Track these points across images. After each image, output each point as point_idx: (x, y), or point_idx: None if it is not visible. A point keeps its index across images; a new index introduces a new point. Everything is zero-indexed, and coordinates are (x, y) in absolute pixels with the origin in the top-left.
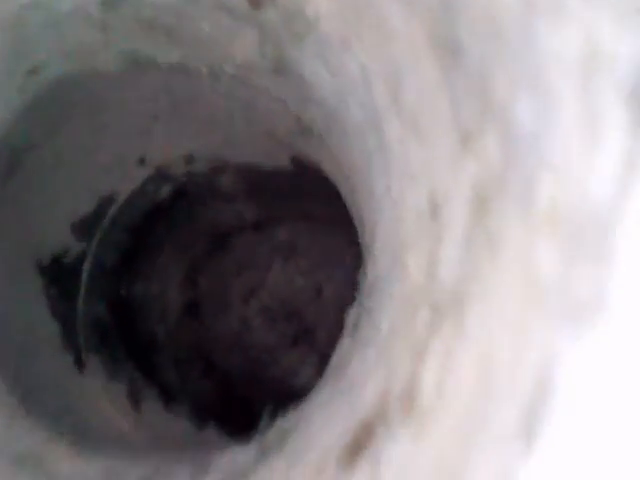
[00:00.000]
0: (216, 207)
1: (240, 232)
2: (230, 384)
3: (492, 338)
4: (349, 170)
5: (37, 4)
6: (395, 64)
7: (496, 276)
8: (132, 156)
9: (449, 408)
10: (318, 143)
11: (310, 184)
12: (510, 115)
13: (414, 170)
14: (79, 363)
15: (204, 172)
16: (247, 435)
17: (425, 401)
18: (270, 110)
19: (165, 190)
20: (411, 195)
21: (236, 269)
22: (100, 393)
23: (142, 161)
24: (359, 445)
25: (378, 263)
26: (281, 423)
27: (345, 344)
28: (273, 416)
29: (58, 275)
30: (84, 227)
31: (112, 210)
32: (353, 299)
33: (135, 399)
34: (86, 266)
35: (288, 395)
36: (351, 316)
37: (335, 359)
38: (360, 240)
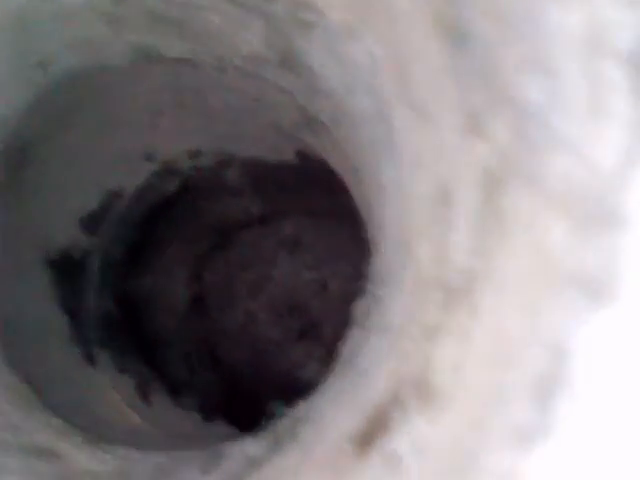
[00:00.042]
0: (222, 201)
1: (246, 226)
2: (237, 378)
3: (506, 317)
4: (357, 162)
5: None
6: (402, 50)
7: (508, 255)
8: (139, 151)
9: (465, 390)
10: (325, 135)
11: (316, 178)
12: (518, 95)
13: (423, 157)
14: (89, 357)
15: (210, 166)
16: (254, 428)
17: (441, 384)
18: (276, 103)
19: (171, 185)
20: (420, 183)
21: (242, 263)
22: (110, 387)
23: (149, 156)
24: (374, 431)
25: (387, 252)
26: (293, 413)
27: (355, 335)
28: (281, 409)
29: (67, 270)
30: (92, 222)
31: (119, 205)
32: (359, 292)
33: (144, 392)
34: (94, 260)
35: (295, 388)
36: (360, 307)
37: (345, 350)
38: (367, 232)
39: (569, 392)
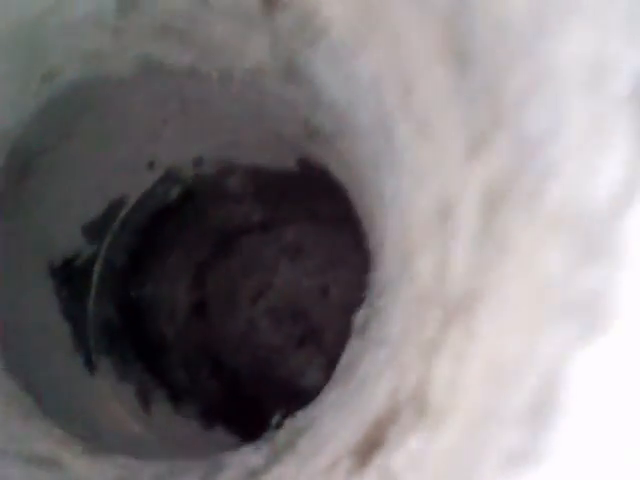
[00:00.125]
0: (224, 209)
1: (247, 233)
2: (238, 384)
3: (502, 338)
4: (358, 173)
5: (53, 10)
6: (406, 69)
7: (505, 277)
8: (142, 159)
9: (460, 409)
10: (327, 146)
11: (317, 186)
12: (519, 122)
13: (424, 173)
14: (90, 364)
15: (212, 174)
16: (255, 435)
17: (436, 401)
18: (278, 113)
19: (174, 192)
20: (421, 198)
21: (243, 270)
22: (110, 394)
23: (152, 164)
24: (371, 445)
25: (388, 264)
26: (292, 424)
27: (354, 345)
28: (282, 416)
29: (69, 277)
30: (95, 230)
31: (122, 213)
32: (360, 300)
33: (145, 400)
34: (96, 268)
35: (295, 395)
36: (360, 317)
37: (344, 360)
38: (368, 242)
39: (563, 419)
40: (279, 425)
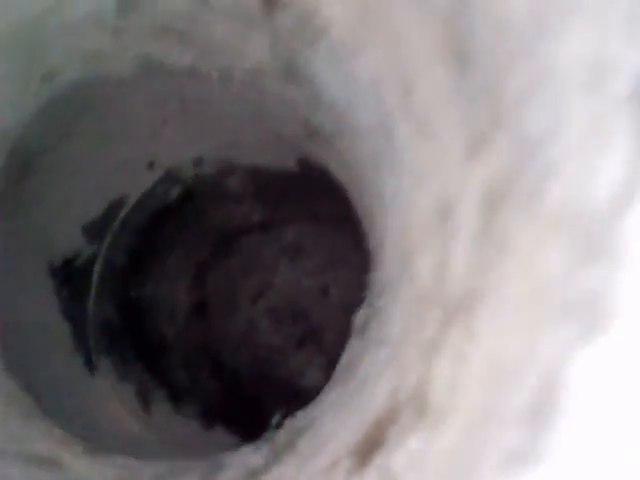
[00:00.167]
0: (224, 208)
1: (247, 233)
2: (238, 384)
3: (502, 338)
4: (358, 173)
5: (53, 10)
6: (406, 69)
7: (505, 277)
8: (142, 159)
9: (460, 407)
10: (326, 146)
11: (317, 186)
12: (519, 121)
13: (424, 173)
14: (90, 364)
15: (212, 174)
16: (255, 435)
17: (436, 401)
18: (278, 113)
19: (174, 192)
20: (421, 198)
21: (243, 270)
22: (110, 394)
23: (152, 164)
24: (371, 445)
25: (388, 264)
26: (292, 424)
27: (355, 345)
28: (282, 416)
29: (69, 277)
30: (95, 230)
31: (122, 213)
32: (359, 300)
33: (145, 400)
34: (96, 268)
35: (296, 395)
36: (360, 317)
37: (345, 359)
38: (368, 242)
39: (562, 419)
40: (279, 425)
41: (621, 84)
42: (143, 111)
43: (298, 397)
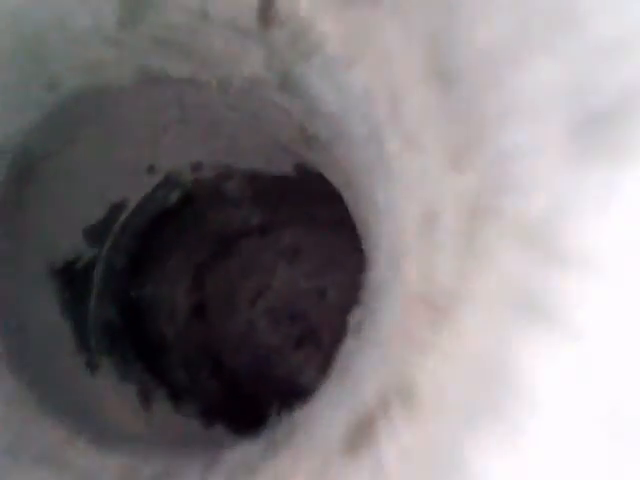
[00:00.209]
0: (222, 212)
1: (246, 236)
2: (237, 384)
3: (482, 337)
4: (352, 179)
5: (56, 23)
6: (395, 85)
7: (484, 281)
8: (142, 164)
9: (446, 402)
10: (322, 152)
11: (314, 190)
12: (496, 139)
13: (411, 183)
14: (91, 364)
15: (211, 178)
16: (254, 432)
17: (424, 396)
18: (275, 121)
19: (173, 196)
20: (409, 206)
21: (242, 272)
22: (112, 394)
23: (151, 169)
24: (361, 437)
25: (381, 267)
26: (288, 420)
27: (350, 344)
28: (280, 413)
29: (70, 279)
30: (96, 233)
31: (123, 216)
32: (356, 301)
33: (146, 399)
34: (97, 270)
35: (293, 393)
36: (355, 317)
37: (340, 358)
38: (363, 245)
39: (534, 412)
40: (277, 421)
41: (598, 101)
42: (143, 118)
43: (296, 396)
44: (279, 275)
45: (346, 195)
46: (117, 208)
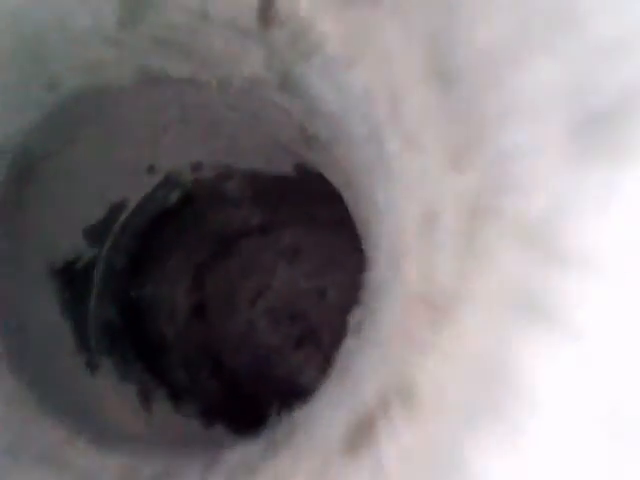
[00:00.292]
0: (222, 212)
1: (246, 236)
2: (237, 384)
3: (482, 335)
4: (353, 179)
5: (56, 24)
6: (395, 85)
7: (484, 281)
8: (142, 164)
9: (446, 402)
10: (322, 152)
11: (314, 190)
12: (496, 139)
13: (411, 183)
14: (91, 364)
15: (211, 178)
16: (254, 432)
17: (424, 395)
18: (275, 120)
19: (174, 196)
20: (409, 205)
21: (242, 272)
22: (112, 394)
23: (152, 169)
24: (361, 437)
25: (381, 267)
26: (288, 420)
27: (350, 344)
28: (279, 413)
29: (70, 279)
30: (96, 233)
31: (123, 216)
32: (356, 301)
33: (146, 400)
34: (97, 270)
35: (293, 393)
36: (355, 317)
37: (340, 358)
38: (364, 245)
39: (534, 412)
40: (277, 421)
41: (597, 101)
42: (143, 118)
43: (296, 396)
44: (279, 275)
45: (346, 195)
46: (117, 208)
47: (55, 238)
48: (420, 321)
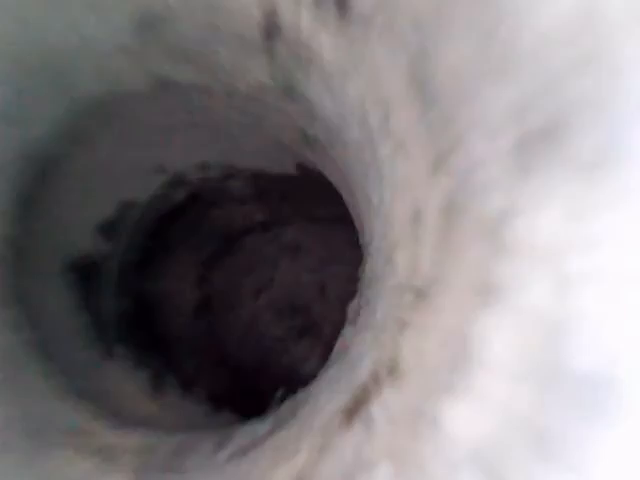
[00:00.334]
0: (227, 210)
1: (250, 233)
2: (243, 371)
3: (452, 313)
4: (349, 178)
5: (75, 34)
6: (384, 98)
7: (457, 271)
8: (152, 165)
9: (423, 367)
10: (322, 153)
11: (315, 188)
12: (467, 148)
13: (401, 184)
14: (108, 353)
15: (217, 177)
16: (259, 416)
17: (407, 364)
18: (278, 123)
19: (181, 195)
20: (398, 205)
21: (246, 267)
22: (127, 379)
23: (160, 168)
24: (357, 406)
25: (375, 260)
26: (293, 398)
27: (348, 331)
28: (283, 400)
29: (87, 273)
30: (109, 229)
31: (133, 214)
32: (354, 293)
33: (158, 385)
34: (111, 264)
35: (296, 381)
36: (353, 307)
37: (339, 345)
38: (361, 240)
39: (491, 372)
40: (282, 400)
41: (539, 122)
42: (154, 121)
43: (299, 384)
44: (282, 270)
45: (344, 192)
46: (128, 206)
47: (71, 235)
48: (405, 304)
